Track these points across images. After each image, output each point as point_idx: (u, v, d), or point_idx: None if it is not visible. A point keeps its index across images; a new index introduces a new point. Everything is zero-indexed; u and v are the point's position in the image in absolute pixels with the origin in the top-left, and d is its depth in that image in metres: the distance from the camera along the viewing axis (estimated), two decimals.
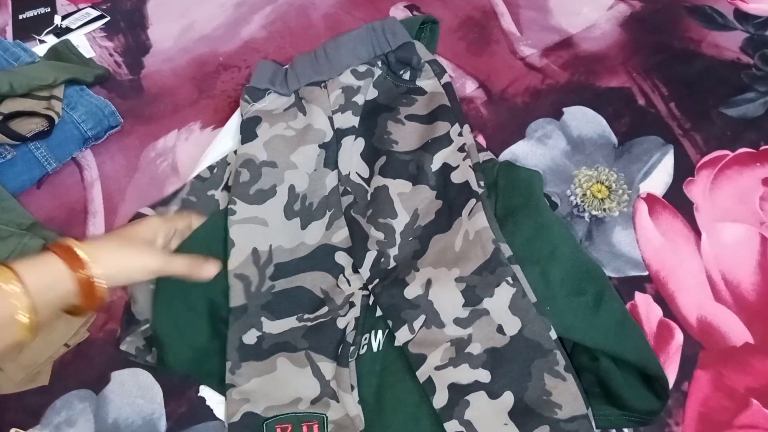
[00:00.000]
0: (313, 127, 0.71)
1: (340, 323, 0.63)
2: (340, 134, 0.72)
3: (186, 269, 0.60)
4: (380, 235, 0.66)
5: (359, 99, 0.73)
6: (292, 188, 0.69)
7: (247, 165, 0.70)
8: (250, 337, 0.64)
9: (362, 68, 0.75)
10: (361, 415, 0.59)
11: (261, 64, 0.77)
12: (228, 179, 0.72)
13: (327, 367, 0.62)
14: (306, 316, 0.65)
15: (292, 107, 0.74)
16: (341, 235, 0.68)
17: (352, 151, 0.72)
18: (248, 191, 0.68)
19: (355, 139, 0.72)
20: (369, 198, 0.69)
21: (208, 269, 0.62)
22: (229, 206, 0.68)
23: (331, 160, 0.71)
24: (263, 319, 0.65)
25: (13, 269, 0.49)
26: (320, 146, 0.71)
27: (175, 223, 0.65)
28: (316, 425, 0.59)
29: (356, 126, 0.72)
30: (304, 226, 0.69)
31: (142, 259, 0.58)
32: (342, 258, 0.67)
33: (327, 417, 0.60)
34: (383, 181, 0.69)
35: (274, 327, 0.65)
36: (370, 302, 0.65)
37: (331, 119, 0.72)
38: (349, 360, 0.62)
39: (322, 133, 0.71)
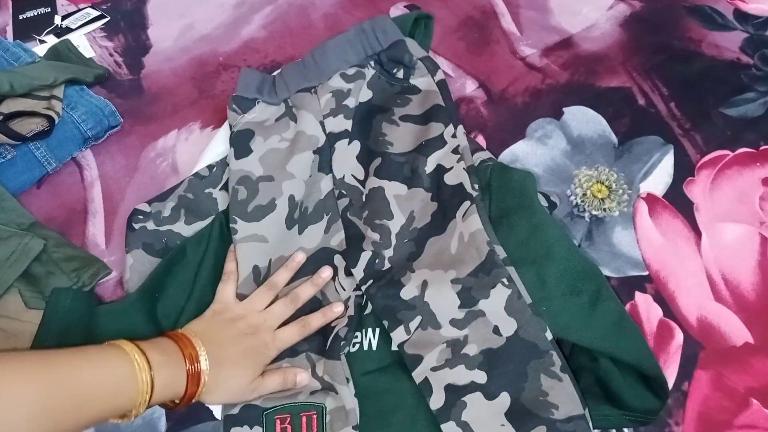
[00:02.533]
0: (306, 133, 0.71)
1: (334, 323, 0.64)
2: (332, 138, 0.72)
3: (280, 384, 0.61)
4: (376, 236, 0.66)
5: (350, 102, 0.73)
6: (291, 198, 0.69)
7: (244, 182, 0.69)
8: None
9: (351, 71, 0.75)
10: (356, 409, 0.59)
11: (245, 72, 0.77)
12: (227, 179, 0.72)
13: (321, 364, 0.62)
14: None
15: (283, 117, 0.74)
16: (339, 238, 0.68)
17: (346, 154, 0.71)
18: (246, 209, 0.68)
19: (350, 142, 0.72)
20: (364, 199, 0.69)
21: (302, 377, 0.61)
22: (231, 225, 0.68)
23: (325, 164, 0.71)
24: None
25: (152, 368, 0.50)
26: (314, 152, 0.71)
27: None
28: (315, 415, 0.59)
29: (349, 130, 0.72)
30: (300, 232, 0.69)
31: (246, 392, 0.59)
32: (338, 261, 0.67)
33: (326, 407, 0.59)
34: (379, 182, 0.69)
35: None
36: (363, 302, 0.65)
37: (322, 124, 0.72)
38: (341, 354, 0.61)
39: (315, 139, 0.71)
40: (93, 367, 0.48)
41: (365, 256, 0.65)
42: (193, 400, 0.55)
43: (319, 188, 0.70)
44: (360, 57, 0.75)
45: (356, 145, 0.72)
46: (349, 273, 0.66)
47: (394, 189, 0.69)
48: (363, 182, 0.70)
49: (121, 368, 0.49)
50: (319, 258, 0.68)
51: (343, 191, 0.69)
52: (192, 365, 0.54)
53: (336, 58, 0.75)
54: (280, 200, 0.69)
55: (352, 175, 0.71)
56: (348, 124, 0.72)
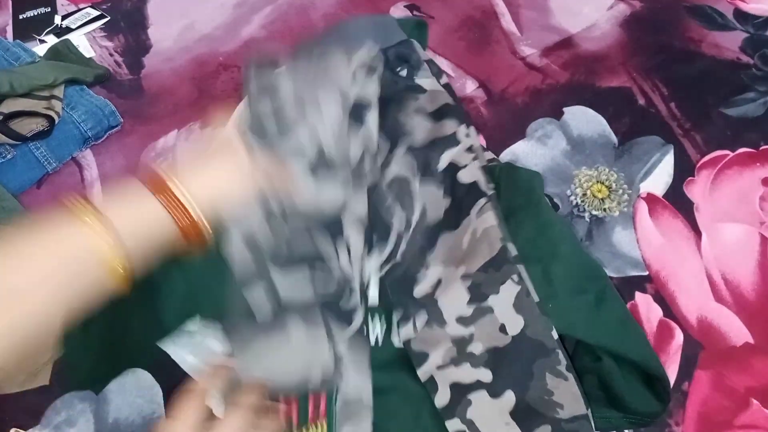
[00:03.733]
0: (338, 81, 0.65)
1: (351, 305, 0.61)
2: (359, 109, 0.66)
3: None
4: (389, 227, 0.66)
5: (375, 79, 0.67)
6: (314, 137, 0.62)
7: (269, 92, 0.63)
8: (258, 295, 0.59)
9: (374, 50, 0.70)
10: (371, 406, 0.58)
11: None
12: None
13: (339, 333, 0.59)
14: (317, 278, 0.61)
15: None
16: (355, 212, 0.64)
17: (372, 129, 0.66)
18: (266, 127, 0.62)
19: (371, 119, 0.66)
20: (383, 188, 0.68)
21: None
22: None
23: (354, 131, 0.65)
24: (274, 273, 0.60)
25: (106, 216, 0.46)
26: (343, 110, 0.64)
27: None
28: (323, 397, 0.57)
29: (374, 103, 0.66)
30: (320, 189, 0.62)
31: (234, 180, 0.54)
32: (355, 237, 0.63)
33: (338, 387, 0.57)
34: (393, 174, 0.68)
35: (284, 281, 0.60)
36: (368, 292, 0.64)
37: (347, 92, 0.65)
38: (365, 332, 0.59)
39: (346, 95, 0.65)
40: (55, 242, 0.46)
41: (381, 245, 0.65)
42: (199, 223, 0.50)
43: (347, 155, 0.64)
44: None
45: (376, 124, 0.67)
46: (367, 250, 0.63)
47: (408, 182, 0.68)
48: (380, 170, 0.68)
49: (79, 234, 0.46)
50: (332, 226, 0.63)
51: (367, 168, 0.65)
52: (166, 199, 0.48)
53: (358, 36, 0.71)
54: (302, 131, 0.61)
55: (376, 156, 0.67)
56: (374, 98, 0.67)
